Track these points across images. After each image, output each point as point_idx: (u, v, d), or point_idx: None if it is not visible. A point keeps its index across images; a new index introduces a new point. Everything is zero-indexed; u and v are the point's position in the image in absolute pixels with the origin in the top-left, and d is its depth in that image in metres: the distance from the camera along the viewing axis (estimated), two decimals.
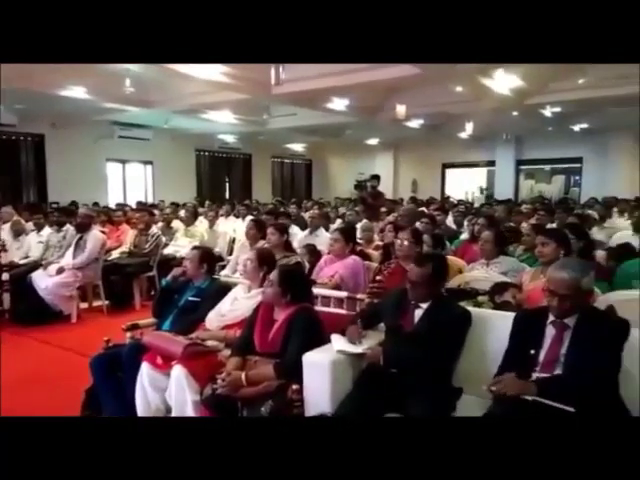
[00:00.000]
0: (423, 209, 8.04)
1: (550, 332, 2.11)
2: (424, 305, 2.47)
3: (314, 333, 2.51)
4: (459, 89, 7.41)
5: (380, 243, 4.84)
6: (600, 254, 3.71)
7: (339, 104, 8.41)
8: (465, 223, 6.78)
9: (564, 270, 2.01)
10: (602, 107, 9.20)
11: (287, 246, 3.97)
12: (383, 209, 8.65)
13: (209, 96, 8.08)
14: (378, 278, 3.28)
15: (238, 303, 2.98)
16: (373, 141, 14.91)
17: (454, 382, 2.41)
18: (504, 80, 6.46)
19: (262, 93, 7.31)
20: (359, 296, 3.12)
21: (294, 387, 2.34)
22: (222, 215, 8.51)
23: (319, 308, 3.08)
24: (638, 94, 7.59)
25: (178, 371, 2.55)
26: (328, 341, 2.51)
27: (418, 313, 2.47)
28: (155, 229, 6.26)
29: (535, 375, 2.08)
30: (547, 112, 9.39)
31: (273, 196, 15.82)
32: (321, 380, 2.29)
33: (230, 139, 13.82)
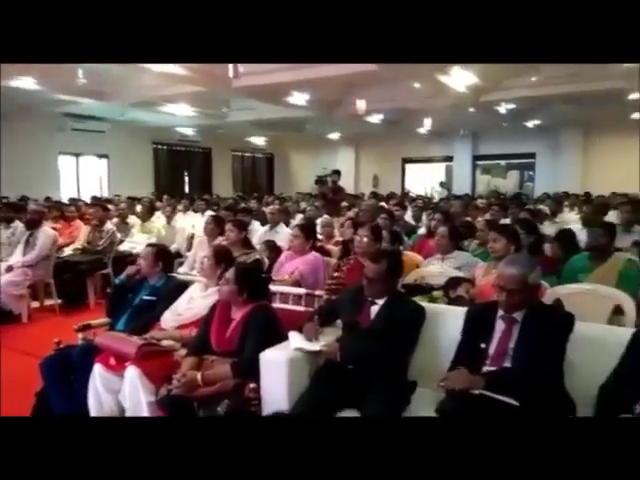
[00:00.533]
0: (383, 204, 8.13)
1: (500, 326, 2.18)
2: (380, 301, 2.50)
3: (271, 331, 2.50)
4: (417, 85, 7.51)
5: (340, 239, 4.86)
6: (549, 248, 3.84)
7: (299, 98, 8.39)
8: (423, 218, 6.89)
9: (512, 266, 2.08)
10: (553, 104, 9.53)
11: (246, 243, 3.95)
12: (344, 204, 8.72)
13: (166, 89, 7.91)
14: (336, 275, 3.29)
15: (194, 302, 2.94)
16: (334, 136, 14.95)
17: (409, 376, 2.46)
18: (460, 77, 6.59)
19: (220, 86, 7.21)
20: (317, 293, 3.13)
21: (251, 386, 2.33)
22: (180, 210, 8.36)
23: (277, 305, 3.08)
24: (586, 92, 7.94)
25: (132, 372, 2.50)
26: (286, 339, 2.51)
27: (374, 309, 2.51)
28: (109, 225, 6.09)
29: (485, 368, 2.15)
30: (502, 109, 9.66)
31: (234, 190, 15.66)
32: (278, 378, 2.29)
33: (189, 132, 13.57)
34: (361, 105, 8.10)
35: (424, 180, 16.48)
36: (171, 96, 8.51)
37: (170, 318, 2.92)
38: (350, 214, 6.70)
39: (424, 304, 2.67)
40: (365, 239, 3.31)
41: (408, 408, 2.29)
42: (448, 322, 2.47)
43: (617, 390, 1.91)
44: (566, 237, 3.93)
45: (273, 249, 4.34)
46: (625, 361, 1.96)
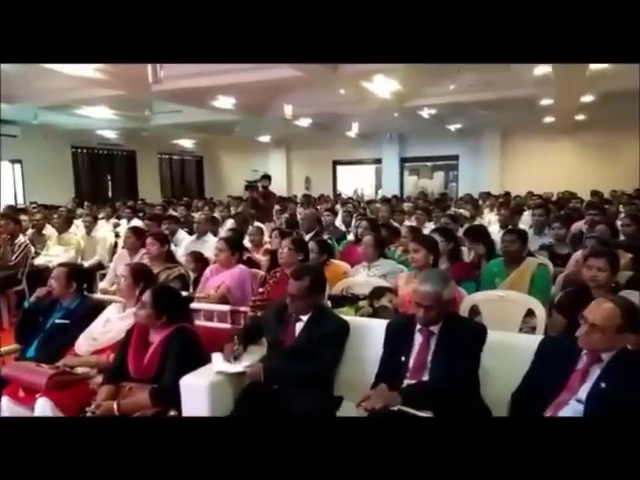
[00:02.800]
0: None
1: (418, 339, 2.24)
2: (304, 317, 2.49)
3: (193, 354, 2.43)
4: (343, 92, 7.61)
5: (270, 247, 4.81)
6: (470, 255, 4.00)
7: (225, 102, 8.24)
8: (353, 223, 6.97)
9: (427, 284, 2.14)
10: (472, 110, 9.98)
11: (169, 257, 3.80)
12: (277, 207, 8.67)
13: (81, 92, 7.48)
14: (261, 290, 3.25)
15: (111, 324, 2.80)
16: (265, 138, 14.85)
17: (335, 391, 2.48)
18: (384, 84, 6.74)
19: (140, 90, 6.93)
20: (242, 309, 3.07)
21: (172, 413, 2.25)
22: (102, 218, 7.97)
23: (202, 323, 3.00)
24: (501, 99, 8.39)
25: (43, 404, 2.35)
26: (210, 361, 2.45)
27: (299, 326, 2.50)
28: (22, 238, 5.67)
29: (406, 381, 2.20)
30: (425, 114, 9.99)
31: (162, 195, 15.16)
32: (200, 404, 2.23)
33: (111, 135, 12.96)
34: (288, 110, 8.09)
35: (355, 182, 16.80)
36: (88, 99, 8.08)
37: (85, 343, 2.76)
38: (282, 219, 6.70)
39: (349, 317, 2.70)
40: (286, 250, 3.28)
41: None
42: (373, 335, 2.50)
43: (527, 396, 2.01)
44: (475, 233, 4.11)
45: (199, 261, 4.21)
46: (534, 367, 2.07)
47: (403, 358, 2.24)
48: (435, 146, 14.67)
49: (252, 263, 4.15)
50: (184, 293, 3.27)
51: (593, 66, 6.06)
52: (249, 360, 2.44)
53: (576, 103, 8.75)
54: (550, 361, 1.98)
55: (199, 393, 2.22)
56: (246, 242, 5.03)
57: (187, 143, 15.43)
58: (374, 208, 8.15)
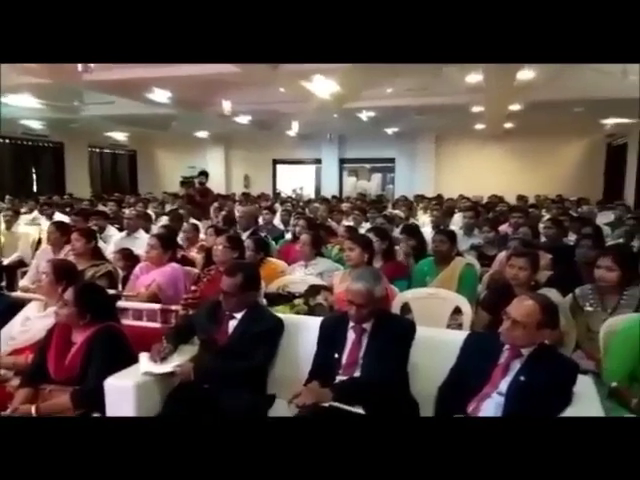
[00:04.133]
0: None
1: (351, 336, 2.27)
2: (238, 315, 2.46)
3: (119, 354, 2.32)
4: (283, 90, 7.58)
5: (206, 245, 4.71)
6: (403, 254, 4.10)
7: (161, 95, 7.97)
8: (291, 222, 6.97)
9: (359, 282, 2.17)
10: (408, 114, 10.26)
11: (96, 254, 3.62)
12: (215, 204, 8.50)
13: (3, 78, 7.00)
14: (194, 288, 3.17)
15: (30, 323, 2.64)
16: (203, 134, 14.52)
17: (268, 389, 2.46)
18: (323, 85, 6.78)
19: (68, 79, 6.57)
20: (174, 307, 2.98)
21: (95, 417, 2.15)
22: (25, 212, 7.49)
23: (130, 323, 2.89)
24: (435, 104, 8.69)
25: None
26: (138, 361, 2.36)
27: (232, 324, 2.46)
28: None
29: (339, 378, 2.22)
30: (363, 116, 10.16)
31: (92, 189, 14.48)
32: (125, 406, 2.14)
33: (36, 125, 12.21)
34: (226, 106, 7.96)
35: (294, 181, 16.80)
36: (11, 86, 7.56)
37: (1, 342, 2.58)
38: (220, 217, 6.58)
39: (284, 315, 2.69)
40: (220, 247, 3.23)
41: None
42: (308, 333, 2.50)
43: (453, 389, 2.08)
44: (410, 230, 4.31)
45: (129, 258, 4.05)
46: (459, 362, 2.15)
47: (336, 355, 2.26)
48: (373, 148, 14.96)
49: (186, 261, 4.04)
50: (112, 291, 3.13)
51: (520, 76, 6.39)
52: (179, 360, 2.37)
53: (505, 111, 9.19)
54: (474, 356, 2.07)
55: (124, 395, 2.13)
56: (181, 240, 4.91)
57: (120, 136, 14.80)
58: (313, 208, 8.19)
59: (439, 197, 10.97)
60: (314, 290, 3.27)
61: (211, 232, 4.22)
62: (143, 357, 2.34)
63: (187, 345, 2.56)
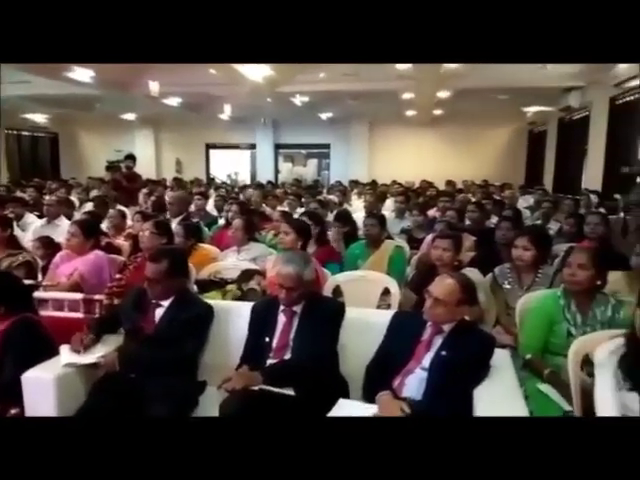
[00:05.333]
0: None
1: (281, 320, 2.28)
2: (165, 303, 2.40)
3: (38, 346, 2.21)
4: (213, 72, 7.38)
5: (132, 231, 4.54)
6: (335, 238, 4.15)
7: (82, 75, 7.52)
8: (225, 208, 6.85)
9: (288, 265, 2.18)
10: (342, 99, 10.33)
11: (12, 242, 3.41)
12: (145, 190, 8.17)
13: None
14: (119, 276, 3.05)
15: None
16: (130, 116, 13.88)
17: (199, 376, 2.43)
18: (255, 68, 6.67)
19: None
20: (97, 297, 2.87)
21: (13, 411, 2.04)
22: None
23: (50, 313, 2.75)
24: (367, 90, 8.80)
25: None
26: (59, 353, 2.25)
27: (159, 312, 2.40)
28: None
29: (269, 361, 2.23)
30: (297, 101, 10.12)
31: (9, 174, 13.51)
32: (45, 399, 2.04)
33: None
34: (154, 87, 7.65)
35: (229, 166, 16.50)
36: None
37: None
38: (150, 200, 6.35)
39: (215, 301, 2.66)
40: (148, 233, 3.13)
41: (196, 410, 2.26)
42: (239, 318, 2.48)
43: (380, 366, 2.15)
44: (343, 217, 4.40)
45: (49, 246, 3.82)
46: (386, 340, 2.22)
47: (267, 339, 2.27)
48: (308, 134, 14.96)
49: (112, 249, 3.88)
50: (30, 281, 2.96)
51: (447, 64, 6.60)
52: (102, 350, 2.29)
53: (434, 98, 9.47)
54: (399, 333, 2.15)
55: (44, 388, 2.03)
56: (107, 227, 4.71)
57: (40, 118, 13.87)
58: (248, 193, 8.10)
59: (373, 182, 11.16)
60: (247, 275, 3.25)
61: (138, 218, 4.08)
62: (64, 348, 2.24)
63: (112, 335, 2.47)
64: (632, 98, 7.19)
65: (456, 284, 2.04)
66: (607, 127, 7.83)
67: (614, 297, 2.36)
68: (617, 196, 6.51)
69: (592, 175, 8.41)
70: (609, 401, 1.74)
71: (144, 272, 2.48)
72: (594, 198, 6.99)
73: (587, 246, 3.21)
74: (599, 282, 2.31)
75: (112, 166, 8.37)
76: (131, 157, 8.05)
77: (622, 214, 5.87)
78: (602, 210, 6.01)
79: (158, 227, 3.18)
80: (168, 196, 7.51)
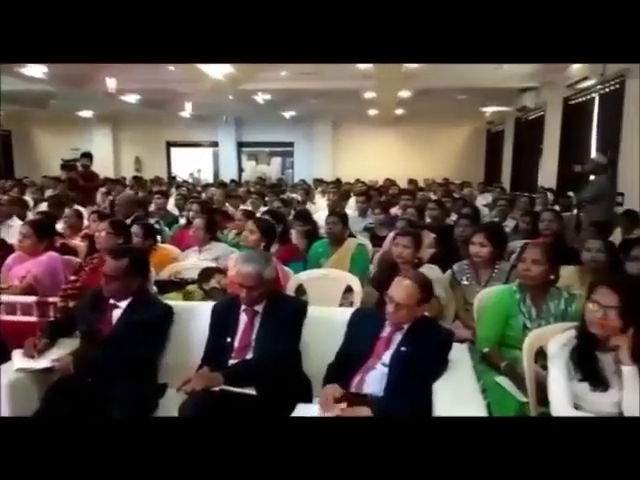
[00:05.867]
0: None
1: (243, 319, 2.26)
2: (123, 304, 2.35)
3: None
4: (172, 68, 7.24)
5: (88, 232, 4.40)
6: (298, 237, 4.15)
7: (36, 70, 7.26)
8: (186, 207, 6.74)
9: (248, 264, 2.17)
10: (304, 98, 10.32)
11: None
12: (103, 190, 7.95)
13: None
14: (73, 278, 2.96)
15: None
16: (87, 114, 13.47)
17: (160, 378, 2.38)
18: (216, 66, 6.59)
19: None
20: (51, 299, 2.77)
21: None
22: None
23: (3, 317, 2.66)
24: (330, 89, 8.82)
25: None
26: (10, 359, 2.17)
27: (117, 313, 2.34)
28: None
29: (231, 362, 2.21)
30: (259, 98, 10.04)
31: None
32: None
33: None
34: (111, 83, 7.45)
35: (191, 165, 16.24)
36: None
37: None
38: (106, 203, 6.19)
39: (175, 302, 2.61)
40: (104, 233, 3.04)
41: (156, 413, 2.22)
42: (200, 319, 2.44)
43: (341, 363, 2.16)
44: (302, 215, 4.44)
45: (1, 248, 3.67)
46: (347, 337, 2.23)
47: (229, 339, 2.25)
48: (271, 132, 14.86)
49: (67, 250, 3.75)
50: None
51: (407, 64, 6.69)
52: (57, 354, 2.21)
53: (395, 98, 9.58)
54: (359, 331, 2.17)
55: None
56: (62, 227, 4.56)
57: None
58: (210, 192, 8.00)
59: (338, 181, 11.19)
60: (207, 274, 3.21)
61: (94, 218, 3.96)
62: (16, 354, 2.16)
63: (67, 338, 2.40)
64: (584, 99, 7.46)
65: (414, 285, 2.06)
66: (561, 127, 8.10)
67: (567, 291, 2.45)
68: (570, 194, 6.74)
69: (547, 173, 8.69)
70: (562, 391, 1.80)
71: (101, 273, 2.42)
72: (550, 196, 7.24)
73: (541, 242, 3.31)
74: (552, 277, 2.39)
75: (67, 165, 8.09)
76: (87, 155, 7.82)
77: (575, 211, 6.11)
78: (557, 207, 6.24)
79: (115, 227, 3.10)
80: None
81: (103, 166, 12.78)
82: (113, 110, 13.01)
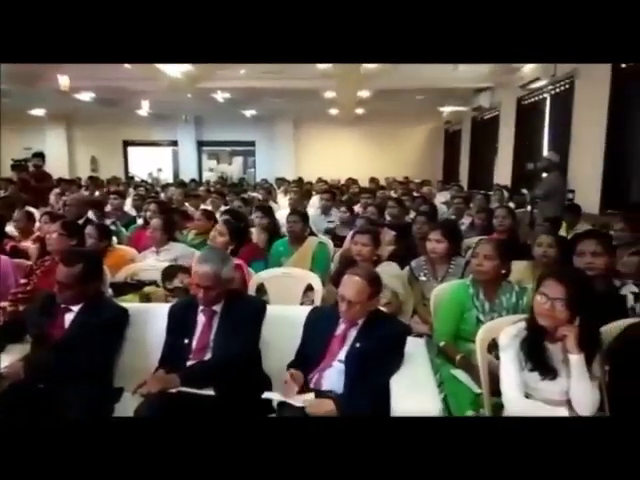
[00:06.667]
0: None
1: (201, 320, 2.24)
2: (75, 308, 2.28)
3: None
4: (128, 66, 7.08)
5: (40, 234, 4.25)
6: (257, 236, 4.13)
7: None
8: (144, 207, 6.61)
9: (205, 264, 2.14)
10: (265, 97, 10.27)
11: None
12: (57, 190, 7.70)
13: None
14: (23, 281, 2.85)
15: None
16: (39, 112, 12.99)
17: (116, 382, 2.33)
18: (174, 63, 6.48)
19: None
20: (1, 304, 2.67)
21: None
22: None
23: None
24: (290, 88, 8.81)
25: None
26: None
27: (69, 317, 2.28)
28: None
29: (189, 363, 2.18)
30: (219, 97, 9.92)
31: None
32: None
33: None
34: (63, 81, 7.21)
35: (149, 164, 15.89)
36: None
37: None
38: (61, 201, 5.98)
39: (131, 304, 2.56)
40: (55, 235, 2.95)
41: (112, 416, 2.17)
42: (157, 321, 2.40)
43: (300, 362, 2.16)
44: (262, 208, 4.49)
45: None
46: (304, 336, 2.24)
47: (186, 340, 2.22)
48: (232, 131, 14.73)
49: (18, 253, 3.63)
50: None
51: (366, 64, 6.76)
52: (7, 360, 2.13)
53: (355, 97, 9.66)
54: (316, 329, 2.18)
55: None
56: (12, 229, 4.39)
57: None
58: (169, 192, 7.86)
59: (300, 180, 11.21)
60: (170, 273, 3.15)
61: (46, 219, 3.84)
62: None
63: (17, 344, 2.31)
64: (536, 99, 7.72)
65: (363, 281, 2.07)
66: (515, 126, 8.36)
67: (518, 285, 2.54)
68: (524, 191, 6.97)
69: (502, 171, 8.95)
70: (513, 381, 1.87)
71: (52, 276, 2.35)
72: (505, 193, 7.46)
73: (493, 238, 3.41)
74: (503, 271, 2.46)
75: (18, 165, 7.79)
76: (39, 155, 7.56)
77: (529, 208, 6.32)
78: (511, 204, 6.44)
79: (66, 228, 3.01)
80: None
81: (57, 166, 12.38)
82: (67, 108, 12.61)
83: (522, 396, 1.85)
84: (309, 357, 2.11)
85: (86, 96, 9.86)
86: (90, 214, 4.97)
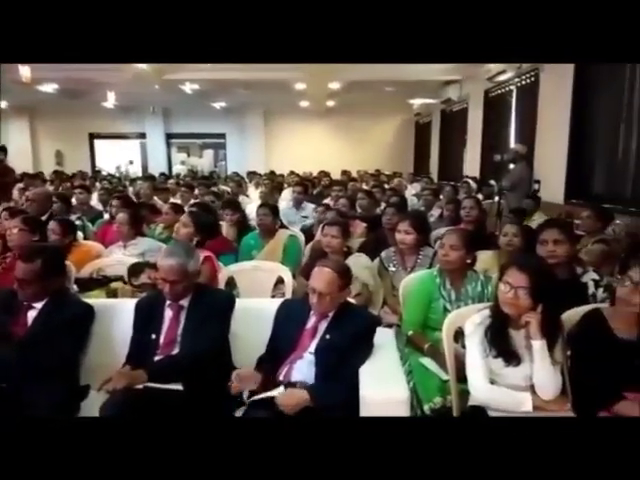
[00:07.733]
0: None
1: (168, 315, 2.21)
2: (38, 305, 2.23)
3: None
4: None
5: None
6: (226, 230, 4.09)
7: None
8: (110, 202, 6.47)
9: (171, 258, 2.12)
10: (234, 88, 10.14)
11: None
12: (20, 185, 7.46)
13: None
14: None
15: None
16: (0, 104, 12.55)
17: (83, 379, 2.28)
18: None
19: None
20: None
21: None
22: None
23: None
24: (259, 80, 8.72)
25: None
26: None
27: (32, 314, 2.22)
28: None
29: (157, 358, 2.15)
30: (187, 88, 9.75)
31: None
32: None
33: None
34: (24, 72, 6.97)
35: (117, 158, 15.55)
36: None
37: None
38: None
39: (96, 300, 2.51)
40: (16, 230, 2.87)
41: (78, 415, 2.13)
42: (123, 316, 2.36)
43: (271, 356, 2.16)
44: (231, 203, 4.45)
45: None
46: (274, 329, 2.23)
47: (153, 335, 2.19)
48: (202, 123, 14.51)
49: None
50: None
51: None
52: None
53: (325, 89, 9.64)
54: (286, 322, 2.17)
55: None
56: None
57: None
58: (138, 186, 7.71)
59: (272, 173, 11.15)
60: (137, 269, 3.09)
61: (6, 215, 3.71)
62: None
63: None
64: (503, 91, 7.86)
65: (333, 272, 2.08)
66: (482, 118, 8.49)
67: (484, 274, 2.59)
68: (492, 182, 7.09)
69: (471, 163, 9.09)
70: (478, 367, 1.91)
71: (13, 273, 2.28)
72: (473, 184, 7.58)
73: (459, 228, 3.46)
74: (469, 261, 2.51)
75: None
76: (1, 149, 7.28)
77: (497, 198, 6.44)
78: (479, 195, 6.54)
79: (27, 223, 2.92)
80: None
81: (20, 160, 12.01)
82: (30, 100, 12.23)
83: (487, 382, 1.89)
84: (280, 350, 2.10)
85: (49, 88, 9.57)
86: (55, 209, 4.84)
